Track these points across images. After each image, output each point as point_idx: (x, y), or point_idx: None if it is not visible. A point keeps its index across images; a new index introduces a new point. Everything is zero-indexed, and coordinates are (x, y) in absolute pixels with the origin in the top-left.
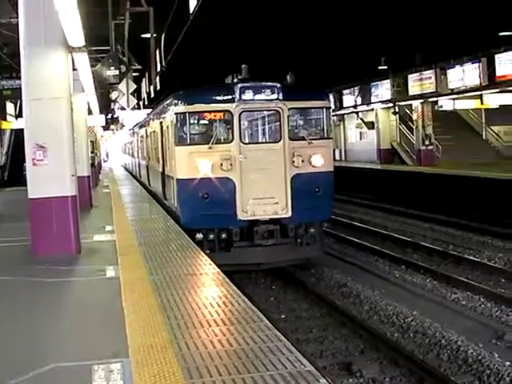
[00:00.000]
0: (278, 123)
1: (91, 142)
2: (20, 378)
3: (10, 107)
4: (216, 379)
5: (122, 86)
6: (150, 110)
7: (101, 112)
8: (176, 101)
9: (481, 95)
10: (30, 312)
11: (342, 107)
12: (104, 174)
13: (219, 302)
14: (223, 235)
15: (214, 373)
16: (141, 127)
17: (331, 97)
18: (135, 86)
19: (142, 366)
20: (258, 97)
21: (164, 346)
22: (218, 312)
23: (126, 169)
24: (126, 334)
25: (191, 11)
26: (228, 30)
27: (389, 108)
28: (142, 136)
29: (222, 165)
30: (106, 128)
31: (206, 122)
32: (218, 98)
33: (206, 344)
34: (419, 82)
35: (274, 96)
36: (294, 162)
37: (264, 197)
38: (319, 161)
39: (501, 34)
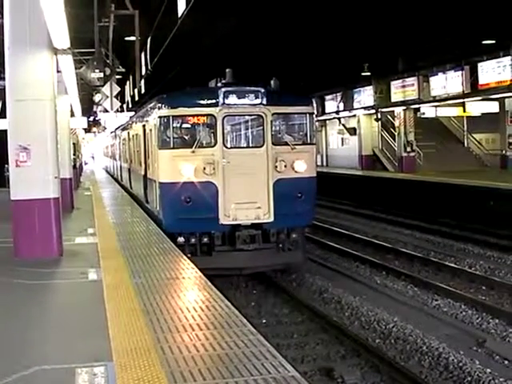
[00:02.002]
0: (261, 128)
1: (73, 144)
2: (3, 381)
3: None
4: (200, 383)
5: (106, 89)
6: (133, 112)
7: (83, 114)
8: (159, 104)
9: (463, 103)
10: (12, 314)
11: (324, 113)
12: (85, 176)
13: (202, 306)
14: (205, 239)
15: (198, 377)
16: (123, 130)
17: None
18: (119, 89)
19: (126, 369)
20: (241, 101)
21: (147, 349)
22: (201, 316)
23: (108, 171)
24: (109, 337)
25: (179, 15)
26: (214, 34)
27: (371, 114)
28: (124, 139)
29: (204, 169)
30: (87, 130)
31: (190, 126)
32: (202, 101)
33: (190, 348)
34: (402, 89)
35: (258, 101)
36: (276, 167)
37: (246, 201)
38: (302, 166)
39: (484, 42)
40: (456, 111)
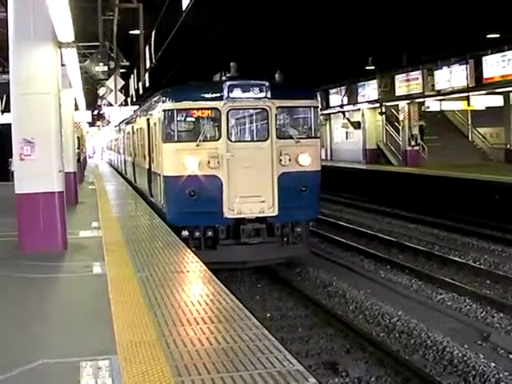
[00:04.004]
0: (265, 121)
1: (77, 138)
2: (8, 374)
3: None
4: (204, 377)
5: (110, 83)
6: (138, 106)
7: (87, 108)
8: (164, 98)
9: (467, 97)
10: (16, 308)
11: (328, 107)
12: (89, 170)
13: (207, 300)
14: (209, 233)
15: (203, 371)
16: (127, 124)
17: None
18: (123, 83)
19: (130, 363)
20: (246, 95)
21: (152, 343)
22: (205, 310)
23: (112, 165)
24: (113, 330)
25: (184, 8)
26: (218, 28)
27: (375, 108)
28: (128, 132)
29: (209, 162)
30: (91, 124)
31: (194, 120)
32: (206, 95)
33: (194, 342)
34: (406, 83)
35: (262, 94)
36: (281, 160)
37: (251, 195)
38: (306, 160)
39: (488, 35)
40: (460, 105)
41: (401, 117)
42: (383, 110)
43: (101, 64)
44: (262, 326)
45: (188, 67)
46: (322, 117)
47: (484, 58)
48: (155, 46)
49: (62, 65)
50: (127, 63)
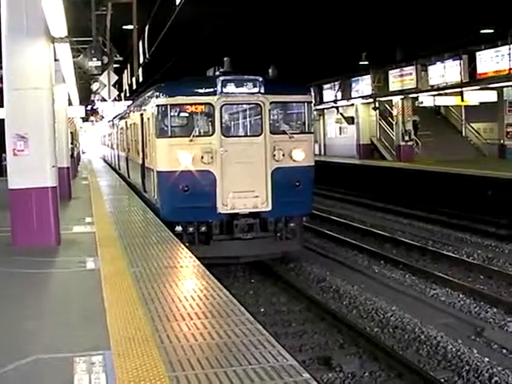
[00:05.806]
0: (259, 117)
1: (70, 133)
2: (1, 370)
3: None
4: (198, 372)
5: (104, 78)
6: (131, 101)
7: (81, 103)
8: (157, 93)
9: (461, 92)
10: (9, 303)
11: (322, 102)
12: (83, 165)
13: (200, 295)
14: (203, 228)
15: (196, 366)
16: (121, 119)
17: (311, 91)
18: (116, 78)
19: (124, 358)
20: (239, 90)
21: (145, 338)
22: (199, 305)
23: (105, 160)
24: (107, 326)
25: (177, 3)
26: (212, 23)
27: (369, 103)
28: (121, 128)
29: (202, 158)
30: (85, 119)
31: (188, 115)
32: (200, 90)
33: (188, 337)
34: (400, 78)
35: (256, 89)
36: (274, 155)
37: (244, 190)
38: (300, 155)
39: (482, 31)
40: (454, 100)
41: (394, 112)
42: (377, 105)
43: (94, 59)
44: (255, 321)
45: (181, 62)
46: (315, 112)
47: (478, 54)
48: (149, 40)
49: (55, 60)
50: (121, 58)
